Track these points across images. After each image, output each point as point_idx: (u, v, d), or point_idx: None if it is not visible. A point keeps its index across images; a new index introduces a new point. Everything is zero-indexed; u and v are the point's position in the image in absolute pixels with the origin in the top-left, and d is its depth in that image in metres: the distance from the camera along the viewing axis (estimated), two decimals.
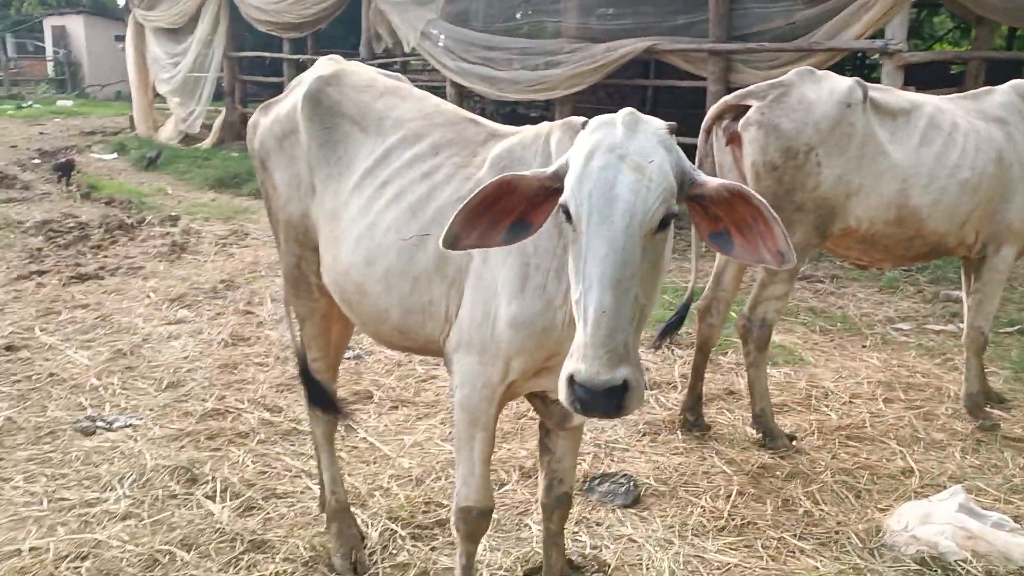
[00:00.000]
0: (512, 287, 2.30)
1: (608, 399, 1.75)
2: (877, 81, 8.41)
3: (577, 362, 1.76)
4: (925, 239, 4.28)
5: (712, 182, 1.91)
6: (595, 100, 17.77)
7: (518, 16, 11.89)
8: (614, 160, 1.81)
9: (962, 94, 4.61)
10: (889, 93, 4.33)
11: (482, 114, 17.30)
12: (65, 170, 11.87)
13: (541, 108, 15.06)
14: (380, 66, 12.38)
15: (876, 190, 4.14)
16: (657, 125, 1.90)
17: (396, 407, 4.76)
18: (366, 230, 2.65)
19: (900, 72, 8.38)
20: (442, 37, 11.91)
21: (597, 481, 3.86)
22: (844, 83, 4.13)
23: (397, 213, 2.59)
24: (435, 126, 2.73)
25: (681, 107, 14.20)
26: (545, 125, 2.47)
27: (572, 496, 2.88)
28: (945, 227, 4.26)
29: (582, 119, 2.24)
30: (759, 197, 1.88)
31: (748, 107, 4.16)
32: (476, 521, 2.63)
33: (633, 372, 1.75)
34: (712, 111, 4.30)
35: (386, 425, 4.54)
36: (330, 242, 2.82)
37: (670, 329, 4.12)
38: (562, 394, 1.80)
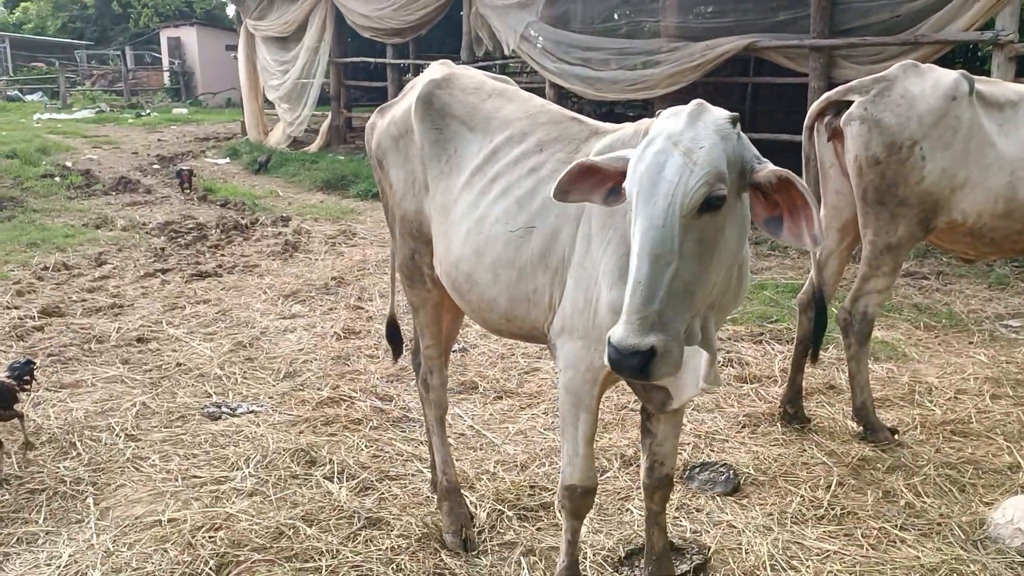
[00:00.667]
0: (612, 276, 2.43)
1: (634, 361, 1.91)
2: (987, 74, 8.22)
3: (616, 326, 1.95)
4: None
5: (764, 169, 2.03)
6: (694, 98, 17.65)
7: (616, 16, 11.97)
8: (668, 146, 1.96)
9: None
10: (996, 85, 4.28)
11: (579, 114, 17.42)
12: (186, 177, 12.59)
13: (639, 108, 15.08)
14: (480, 68, 12.62)
15: (983, 183, 4.10)
16: (719, 115, 2.03)
17: (500, 397, 4.93)
18: (475, 223, 2.82)
19: (1012, 63, 8.17)
20: (541, 39, 12.09)
21: (697, 470, 3.95)
22: (949, 76, 4.11)
23: (505, 206, 2.76)
24: (540, 125, 2.88)
25: (782, 104, 14.05)
26: (644, 122, 2.59)
27: (673, 478, 2.99)
28: None
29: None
30: (801, 181, 2.00)
31: (850, 102, 4.19)
32: (581, 499, 2.76)
33: (664, 341, 1.91)
34: (814, 108, 4.33)
35: (491, 414, 4.72)
36: (442, 235, 3.00)
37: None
38: (604, 354, 1.99)
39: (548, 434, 4.41)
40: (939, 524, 3.53)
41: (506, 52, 12.82)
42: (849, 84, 4.27)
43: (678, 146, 1.95)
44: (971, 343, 5.73)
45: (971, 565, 3.23)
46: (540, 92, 13.50)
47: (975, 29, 8.38)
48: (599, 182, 2.21)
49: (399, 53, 15.79)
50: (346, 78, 17.43)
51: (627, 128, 2.63)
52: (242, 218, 10.33)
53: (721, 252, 2.03)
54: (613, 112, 18.50)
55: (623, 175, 2.10)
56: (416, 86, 3.20)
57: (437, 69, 3.28)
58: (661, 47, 10.89)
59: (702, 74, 10.47)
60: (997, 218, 4.16)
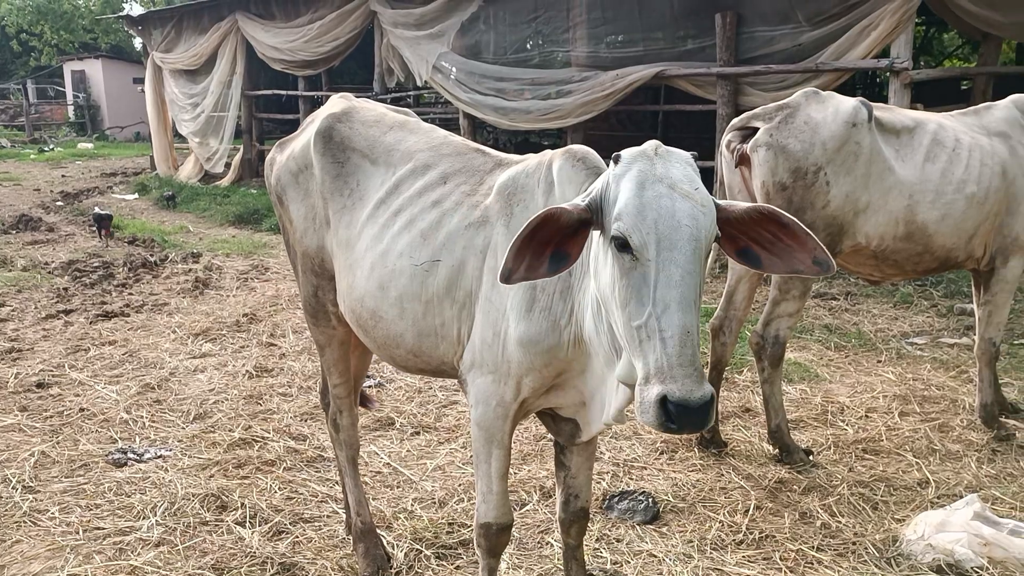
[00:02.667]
0: (520, 308, 2.41)
1: (701, 414, 1.83)
2: (885, 100, 8.52)
3: (666, 383, 1.82)
4: (934, 253, 4.35)
5: (739, 205, 2.04)
6: (607, 127, 17.91)
7: (528, 47, 12.07)
8: (665, 190, 1.91)
9: (964, 110, 4.69)
10: (892, 112, 4.42)
11: (495, 144, 17.56)
12: (106, 225, 11.22)
13: (554, 136, 15.22)
14: (393, 100, 12.63)
15: (884, 207, 4.22)
16: (685, 155, 2.02)
17: (418, 432, 4.85)
18: (379, 257, 2.77)
19: (907, 90, 8.47)
20: (453, 70, 12.12)
21: (616, 499, 3.93)
22: (849, 103, 4.23)
23: (409, 240, 2.71)
24: (443, 156, 2.86)
25: (691, 131, 14.34)
26: (547, 153, 2.58)
27: (589, 511, 2.96)
28: (953, 241, 4.33)
29: (583, 148, 2.37)
30: (786, 215, 2.01)
31: (756, 129, 4.27)
32: (497, 536, 2.71)
33: (711, 390, 1.87)
34: (724, 133, 4.40)
35: (408, 450, 4.63)
36: (345, 270, 2.94)
37: None
38: (650, 415, 1.84)
39: (467, 468, 4.34)
40: (854, 543, 3.58)
41: (419, 83, 12.81)
42: (753, 111, 4.36)
43: (675, 189, 1.91)
44: (879, 362, 5.87)
45: None
46: (454, 123, 13.56)
47: (872, 57, 8.67)
48: (539, 250, 2.05)
49: (312, 85, 15.66)
50: (258, 111, 17.18)
51: (530, 160, 2.62)
52: (151, 255, 10.04)
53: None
54: (528, 141, 18.63)
55: (564, 234, 2.04)
56: (315, 120, 3.15)
57: (337, 102, 3.24)
58: (572, 76, 11.02)
59: (613, 103, 10.61)
60: (898, 240, 4.28)
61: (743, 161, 4.26)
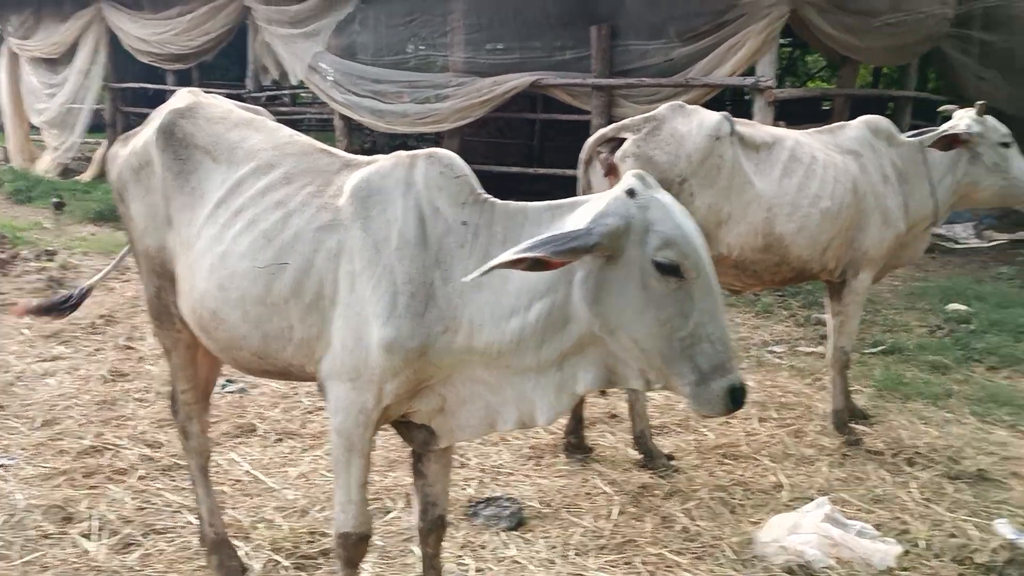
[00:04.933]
0: (383, 315, 2.36)
1: (747, 391, 2.23)
2: (751, 116, 8.83)
3: (728, 376, 2.15)
4: (790, 264, 4.51)
5: None
6: (485, 133, 17.99)
7: (407, 50, 11.99)
8: (687, 216, 2.18)
9: (819, 129, 4.89)
10: (754, 127, 4.57)
11: (372, 147, 17.35)
12: None
13: (431, 141, 15.17)
14: (269, 98, 12.30)
15: (744, 219, 4.36)
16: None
17: (281, 439, 4.72)
18: (219, 258, 2.68)
19: (771, 108, 8.80)
20: (330, 70, 11.92)
21: (482, 505, 3.92)
22: (713, 117, 4.35)
23: (250, 240, 2.63)
24: (287, 156, 2.78)
25: (567, 140, 14.53)
26: (404, 155, 2.55)
27: (446, 520, 2.93)
28: (808, 253, 4.50)
29: (446, 152, 2.36)
30: None
31: (624, 139, 4.34)
32: (355, 546, 2.66)
33: None
34: (589, 143, 4.45)
35: (271, 458, 4.51)
36: (186, 271, 2.84)
37: None
38: (719, 404, 2.17)
39: (331, 476, 4.24)
40: (712, 546, 3.67)
41: (293, 82, 12.56)
42: (622, 122, 4.44)
43: (686, 212, 2.21)
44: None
45: None
46: (330, 123, 13.33)
47: (739, 75, 8.98)
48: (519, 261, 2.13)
49: (182, 80, 15.12)
50: (125, 104, 16.48)
51: (384, 162, 2.58)
52: (2, 251, 9.47)
53: None
54: (407, 145, 18.47)
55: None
56: (158, 115, 3.02)
57: (182, 97, 3.11)
58: (450, 81, 11.00)
59: (490, 109, 10.64)
60: (757, 251, 4.42)
61: (611, 171, 4.33)
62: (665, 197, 2.19)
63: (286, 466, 4.41)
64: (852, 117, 5.06)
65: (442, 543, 2.99)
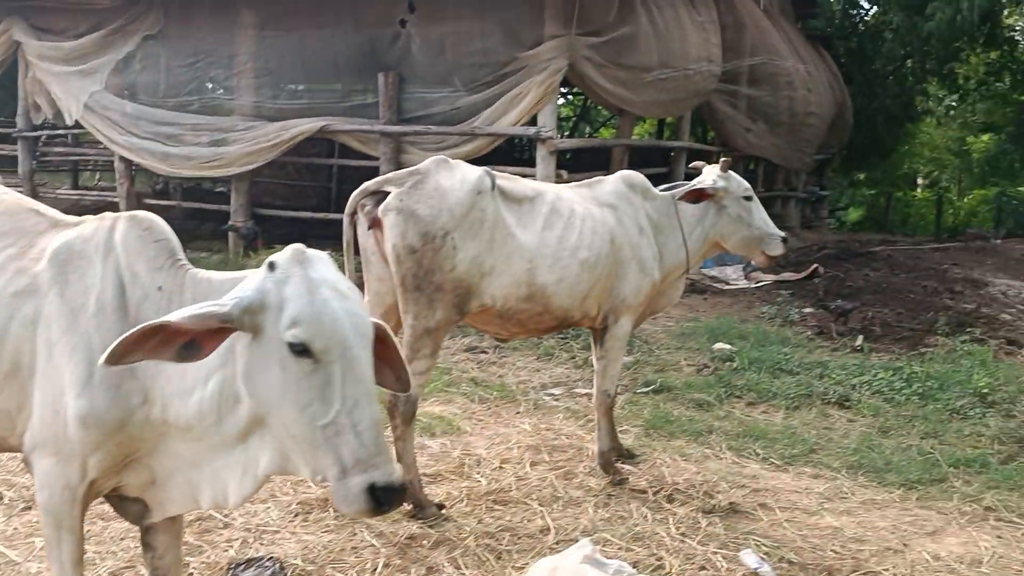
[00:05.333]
0: (78, 384, 2.28)
1: (402, 491, 2.04)
2: (534, 164, 9.16)
3: (369, 472, 1.98)
4: (552, 313, 4.69)
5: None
6: (283, 175, 17.74)
7: (191, 92, 11.67)
8: (333, 293, 2.04)
9: (579, 183, 5.14)
10: (515, 182, 4.74)
11: (164, 189, 16.69)
12: None
13: (227, 183, 14.79)
14: (48, 137, 11.60)
15: (507, 270, 4.49)
16: (325, 255, 2.16)
17: (29, 508, 4.41)
18: None
19: (553, 157, 9.18)
20: (109, 110, 11.42)
21: (241, 567, 3.80)
22: (475, 172, 4.47)
23: None
24: None
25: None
26: (108, 217, 2.49)
27: None
28: (569, 302, 4.69)
29: (149, 215, 2.31)
30: (386, 327, 2.21)
31: (387, 193, 4.38)
32: None
33: None
34: (353, 196, 4.47)
35: (16, 528, 4.20)
36: None
37: None
38: (359, 504, 2.01)
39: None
40: None
41: (68, 122, 11.94)
42: (385, 176, 4.49)
43: (340, 292, 2.05)
44: (518, 413, 6.21)
45: None
46: (111, 164, 12.75)
47: (522, 124, 9.31)
48: (168, 339, 2.04)
49: None
50: None
51: (88, 224, 2.50)
52: None
53: None
54: (200, 186, 17.95)
55: (210, 329, 2.04)
56: None
57: None
58: (236, 125, 10.83)
59: (278, 154, 10.54)
60: (521, 301, 4.56)
61: (375, 224, 4.36)
62: (315, 272, 2.06)
63: (32, 536, 4.12)
64: (633, 166, 5.36)
65: None
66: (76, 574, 2.47)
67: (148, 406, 2.31)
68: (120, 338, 2.00)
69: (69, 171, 18.43)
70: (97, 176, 21.18)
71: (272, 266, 2.08)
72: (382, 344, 2.18)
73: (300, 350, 2.00)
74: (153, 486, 2.45)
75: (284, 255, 2.10)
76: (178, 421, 2.29)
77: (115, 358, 2.00)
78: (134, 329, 2.01)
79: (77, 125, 12.06)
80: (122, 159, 11.61)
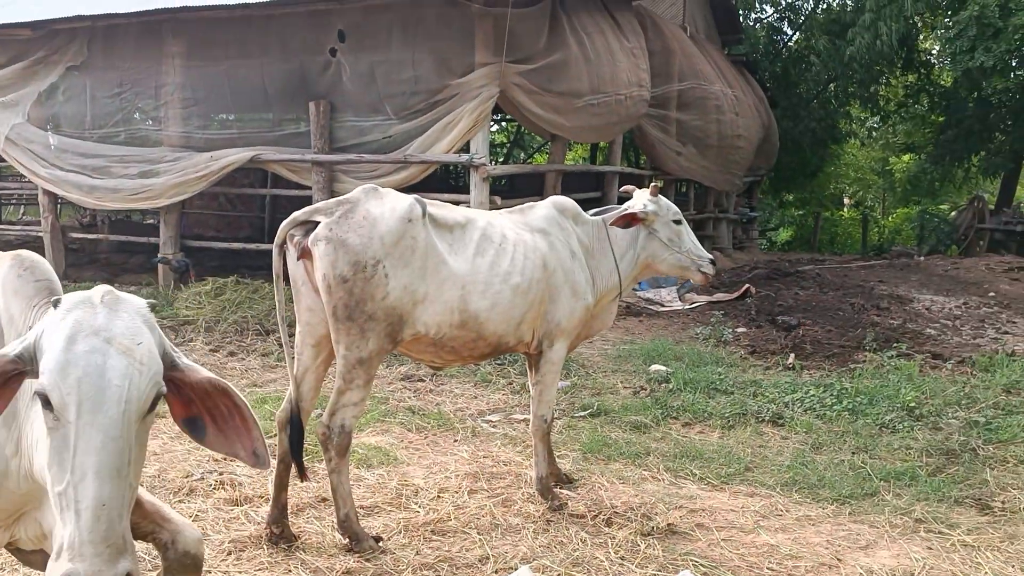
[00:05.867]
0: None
1: None
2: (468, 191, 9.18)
3: (73, 561, 1.69)
4: (487, 340, 4.68)
5: (198, 373, 1.97)
6: (216, 206, 17.52)
7: (116, 123, 11.45)
8: (100, 344, 1.78)
9: (511, 208, 5.15)
10: (446, 209, 4.73)
11: (92, 221, 16.29)
12: None
13: (156, 215, 14.57)
14: None
15: (440, 298, 4.47)
16: (139, 304, 1.92)
17: None
18: None
19: (486, 183, 9.21)
20: (31, 143, 11.15)
21: None
22: (405, 200, 4.45)
23: None
24: None
25: None
26: (6, 255, 2.40)
27: None
28: (503, 328, 4.68)
29: (31, 255, 2.21)
30: (241, 397, 1.99)
31: (317, 223, 4.34)
32: None
33: (132, 561, 1.74)
34: (283, 227, 4.42)
35: None
36: None
37: None
38: None
39: None
40: None
41: None
42: (316, 206, 4.45)
43: (113, 343, 1.78)
44: (456, 440, 6.17)
45: None
46: (35, 198, 12.44)
47: (455, 151, 9.33)
48: None
49: None
50: None
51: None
52: None
53: (144, 446, 1.91)
54: (131, 218, 17.62)
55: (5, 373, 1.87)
56: None
57: None
58: (164, 156, 10.66)
59: (207, 184, 10.39)
60: (454, 328, 4.54)
61: (305, 254, 4.32)
62: (93, 319, 1.83)
63: None
64: (567, 190, 5.38)
65: None
66: None
67: (20, 458, 2.15)
68: None
69: None
70: (22, 210, 20.68)
71: (56, 304, 1.89)
72: (232, 405, 1.98)
73: (45, 401, 1.78)
74: (47, 539, 2.34)
75: (74, 296, 1.89)
76: (42, 479, 2.03)
77: None
78: None
79: None
80: (46, 192, 11.33)
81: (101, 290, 1.90)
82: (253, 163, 10.23)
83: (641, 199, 5.25)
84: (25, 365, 1.85)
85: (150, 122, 11.30)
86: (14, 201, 20.00)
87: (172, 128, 10.85)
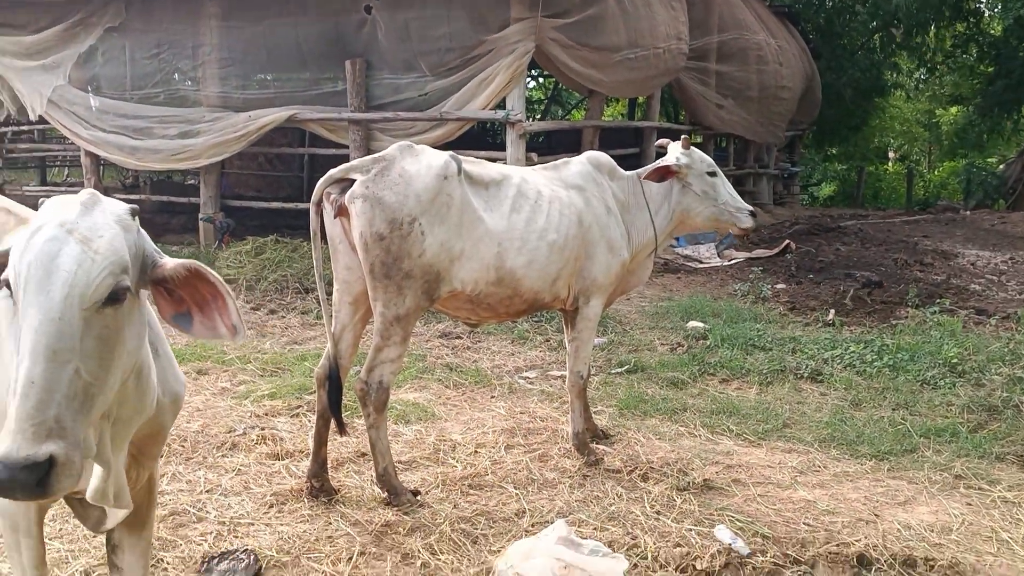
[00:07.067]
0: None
1: (28, 475, 1.69)
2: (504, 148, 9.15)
3: (3, 438, 1.70)
4: (523, 297, 4.69)
5: (170, 263, 2.02)
6: (255, 166, 17.63)
7: (156, 84, 11.53)
8: (61, 233, 1.83)
9: (546, 165, 5.13)
10: (481, 165, 4.72)
11: (135, 182, 16.47)
12: None
13: (197, 175, 14.72)
14: (13, 134, 11.43)
15: (476, 255, 4.48)
16: (117, 207, 1.97)
17: None
18: None
19: (523, 140, 9.17)
20: (73, 105, 11.27)
21: (216, 560, 3.79)
22: (441, 157, 4.45)
23: None
24: None
25: None
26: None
27: None
28: (539, 285, 4.69)
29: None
30: (213, 273, 2.03)
31: (353, 180, 4.36)
32: None
33: (66, 449, 1.74)
34: (319, 185, 4.44)
35: None
36: None
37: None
38: None
39: (53, 543, 3.98)
40: None
41: (32, 117, 11.77)
42: (351, 163, 4.46)
43: (74, 233, 1.83)
44: (493, 397, 6.22)
45: None
46: (79, 160, 12.61)
47: (491, 108, 9.27)
48: None
49: None
50: None
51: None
52: None
53: (122, 353, 1.94)
54: (171, 179, 17.80)
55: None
56: None
57: None
58: (203, 117, 10.71)
59: (246, 144, 10.44)
60: (491, 285, 4.56)
61: (342, 212, 4.34)
62: (54, 210, 1.90)
63: None
64: (604, 147, 5.33)
65: None
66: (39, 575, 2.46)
67: None
68: None
69: (36, 167, 18.23)
70: (65, 172, 20.97)
71: (40, 203, 1.97)
72: (207, 286, 2.03)
73: (7, 287, 1.86)
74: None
75: (58, 198, 1.96)
76: None
77: None
78: None
79: (42, 120, 11.91)
80: (88, 154, 11.47)
81: (85, 192, 1.95)
82: (290, 122, 10.26)
83: (674, 152, 5.20)
84: (5, 259, 1.90)
85: (189, 83, 11.37)
86: (57, 163, 20.26)
87: (210, 88, 10.90)
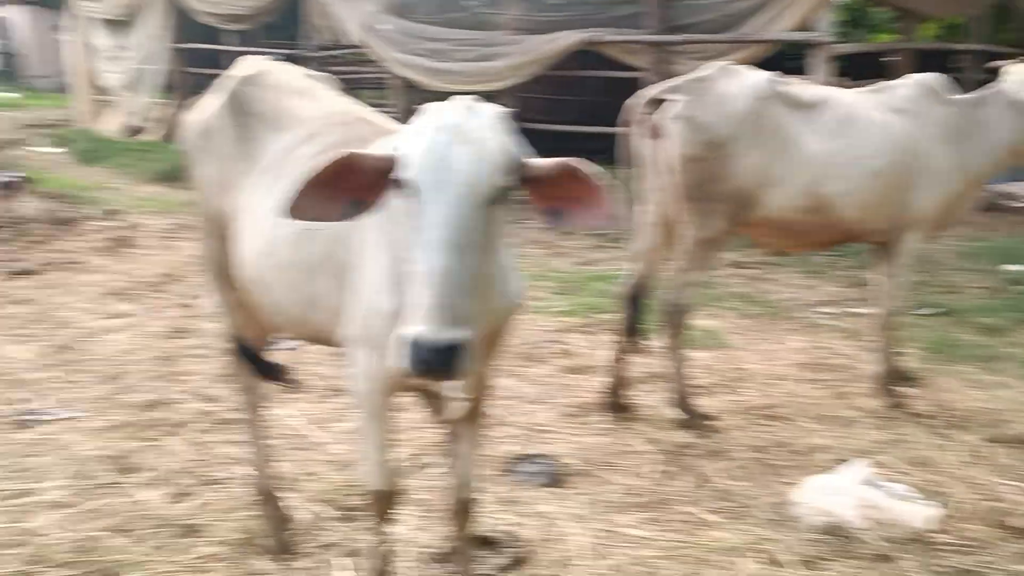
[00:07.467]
0: (388, 281, 2.40)
1: (443, 358, 1.84)
2: (808, 72, 8.67)
3: (419, 323, 1.85)
4: (836, 226, 4.48)
5: (545, 163, 2.08)
6: (541, 90, 17.89)
7: (462, 7, 11.97)
8: (454, 136, 1.94)
9: (871, 87, 4.80)
10: (802, 87, 4.52)
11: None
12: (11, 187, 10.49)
13: (487, 100, 15.14)
14: (326, 59, 12.33)
15: (791, 180, 4.33)
16: (497, 111, 2.06)
17: (330, 396, 4.86)
18: (259, 223, 2.79)
19: (830, 63, 8.63)
20: (386, 28, 11.96)
21: (519, 462, 4.02)
22: (760, 77, 4.31)
23: None
24: (332, 126, 2.85)
25: (625, 98, 14.38)
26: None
27: (469, 505, 2.90)
28: (857, 215, 4.45)
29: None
30: (587, 167, 2.05)
31: (669, 100, 4.33)
32: (379, 503, 2.74)
33: (470, 334, 1.88)
34: (634, 106, 4.45)
35: (321, 413, 4.65)
36: (237, 235, 2.96)
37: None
38: (399, 356, 1.88)
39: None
40: (746, 507, 3.71)
41: (349, 42, 12.62)
42: (668, 84, 4.43)
43: (466, 136, 1.95)
44: (788, 330, 6.04)
45: (771, 544, 3.41)
46: (387, 82, 13.41)
47: (796, 30, 8.80)
48: (335, 195, 2.10)
49: (247, 40, 15.25)
50: (189, 65, 16.69)
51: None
52: (68, 211, 9.78)
53: (499, 248, 2.06)
54: None
55: (368, 183, 2.08)
56: (224, 82, 3.13)
57: (248, 65, 3.21)
58: (502, 39, 10.97)
59: (542, 68, 10.61)
60: (804, 212, 4.39)
61: (655, 133, 4.33)
62: (440, 115, 2.00)
63: (334, 421, 4.55)
64: (918, 71, 4.89)
65: (464, 530, 2.96)
66: (382, 457, 2.69)
67: None
68: (298, 185, 2.06)
69: (345, 90, 19.58)
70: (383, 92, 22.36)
71: (420, 111, 2.06)
72: (578, 181, 2.06)
73: (406, 188, 1.97)
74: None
75: (439, 104, 2.05)
76: None
77: (292, 213, 2.08)
78: (317, 167, 2.06)
79: (352, 45, 12.72)
80: (397, 76, 12.15)
81: (466, 99, 2.06)
82: (587, 45, 10.29)
83: (1019, 76, 4.68)
84: (395, 164, 2.03)
85: (492, 6, 11.67)
86: (366, 85, 21.63)
87: (511, 11, 11.15)
